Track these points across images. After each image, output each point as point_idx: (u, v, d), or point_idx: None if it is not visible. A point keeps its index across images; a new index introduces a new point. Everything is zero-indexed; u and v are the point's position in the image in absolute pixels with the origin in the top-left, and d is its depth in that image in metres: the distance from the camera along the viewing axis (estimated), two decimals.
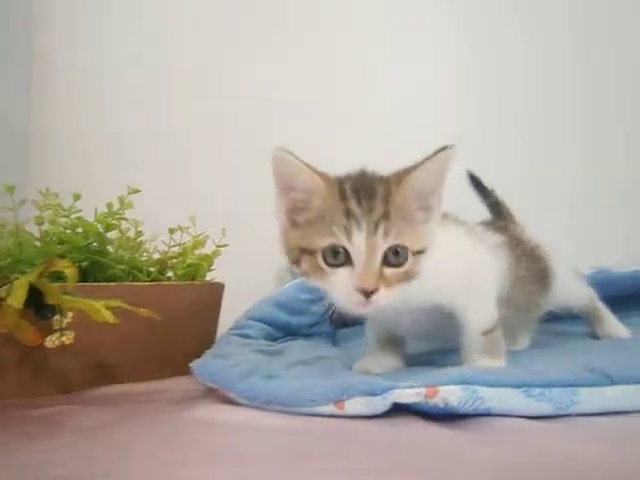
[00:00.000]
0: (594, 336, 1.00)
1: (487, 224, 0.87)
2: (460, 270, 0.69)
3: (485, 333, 0.71)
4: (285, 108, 1.40)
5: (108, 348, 0.85)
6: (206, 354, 0.82)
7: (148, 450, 0.53)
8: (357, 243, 0.59)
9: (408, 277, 0.61)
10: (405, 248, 0.60)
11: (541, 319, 0.96)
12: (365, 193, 0.61)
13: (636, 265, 1.28)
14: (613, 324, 1.00)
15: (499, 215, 1.00)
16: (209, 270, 1.04)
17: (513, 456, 0.49)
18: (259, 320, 1.04)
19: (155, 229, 1.01)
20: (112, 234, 0.94)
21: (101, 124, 1.39)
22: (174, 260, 1.01)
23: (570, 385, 0.58)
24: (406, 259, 0.60)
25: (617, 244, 1.36)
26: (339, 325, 1.19)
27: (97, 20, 1.42)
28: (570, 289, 0.95)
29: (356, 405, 0.57)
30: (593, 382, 0.59)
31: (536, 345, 0.94)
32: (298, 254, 0.62)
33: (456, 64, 1.47)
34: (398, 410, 0.58)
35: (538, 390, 0.57)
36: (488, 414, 0.57)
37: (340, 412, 0.58)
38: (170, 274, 1.01)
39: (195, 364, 0.74)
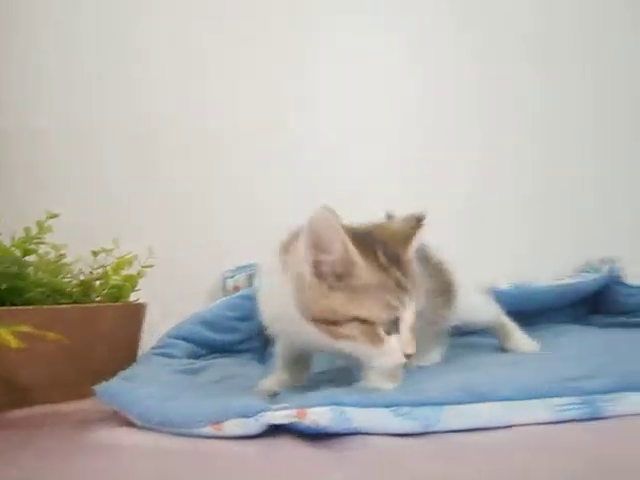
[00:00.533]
0: (503, 350, 1.05)
1: None
2: None
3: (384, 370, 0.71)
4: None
5: (25, 371, 0.87)
6: (117, 376, 0.84)
7: (27, 476, 0.56)
8: (408, 312, 0.65)
9: None
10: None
11: (452, 334, 1.01)
12: (397, 262, 0.66)
13: (554, 279, 1.34)
14: (520, 339, 1.04)
15: None
16: (134, 290, 1.06)
17: (367, 473, 0.52)
18: (183, 338, 1.07)
19: (84, 251, 1.04)
20: (33, 257, 0.96)
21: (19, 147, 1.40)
22: (98, 282, 1.03)
23: (437, 404, 0.62)
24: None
25: (534, 259, 1.42)
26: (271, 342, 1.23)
27: None
28: (474, 305, 1.00)
29: (232, 427, 0.60)
30: (459, 400, 0.63)
31: (446, 360, 0.99)
32: (344, 319, 0.64)
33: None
34: (280, 429, 0.62)
35: (406, 409, 0.61)
36: (358, 433, 0.60)
37: (219, 433, 0.61)
38: (98, 296, 1.04)
39: (98, 386, 0.77)
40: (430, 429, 0.61)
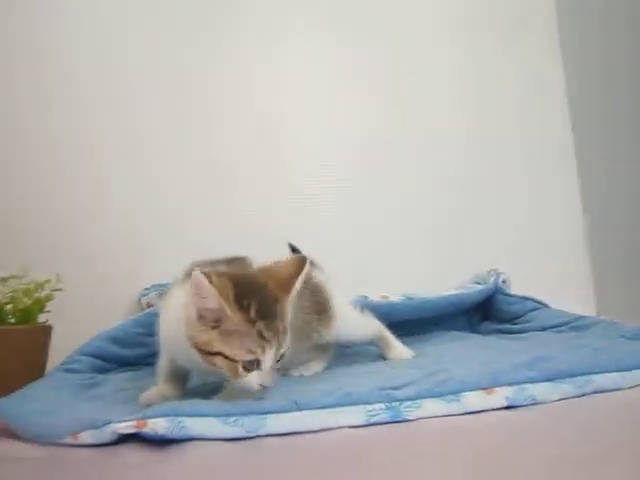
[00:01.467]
0: (383, 358, 1.18)
1: None
2: None
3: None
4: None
5: None
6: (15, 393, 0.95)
7: None
8: (267, 357, 0.78)
9: None
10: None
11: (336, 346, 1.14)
12: (268, 315, 0.79)
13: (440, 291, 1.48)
14: (397, 348, 1.17)
15: None
16: (42, 312, 1.17)
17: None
18: (89, 354, 1.18)
19: None
20: None
21: None
22: (8, 306, 1.14)
23: (262, 412, 0.74)
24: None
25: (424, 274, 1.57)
26: None
27: None
28: (354, 323, 1.14)
29: (87, 437, 0.72)
30: (282, 409, 0.75)
31: (326, 369, 1.12)
32: (214, 352, 0.78)
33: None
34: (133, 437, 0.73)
35: (233, 418, 0.73)
36: (192, 438, 0.72)
37: (77, 442, 0.72)
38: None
39: None
40: (255, 434, 0.73)
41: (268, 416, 0.74)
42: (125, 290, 1.44)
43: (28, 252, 1.25)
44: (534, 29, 1.75)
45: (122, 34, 1.53)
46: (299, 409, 0.76)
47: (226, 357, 0.78)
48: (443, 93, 1.70)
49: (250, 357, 0.78)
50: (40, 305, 1.15)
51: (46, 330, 1.15)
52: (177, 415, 0.72)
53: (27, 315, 1.13)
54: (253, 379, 0.79)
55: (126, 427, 0.70)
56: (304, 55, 1.65)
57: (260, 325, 0.78)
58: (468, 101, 1.71)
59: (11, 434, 0.82)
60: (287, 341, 0.81)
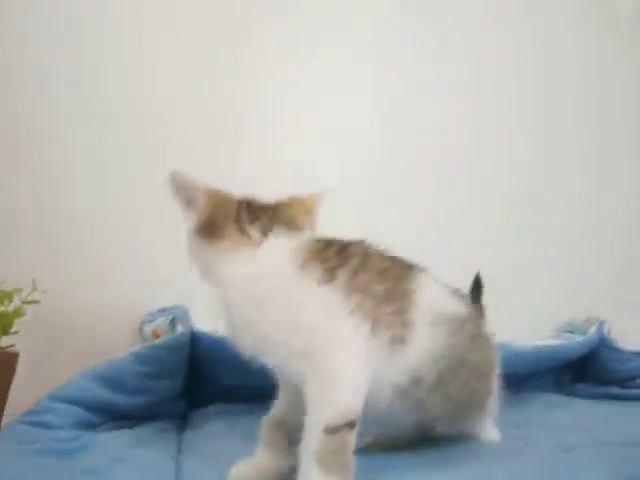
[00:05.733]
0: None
1: None
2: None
3: (330, 431, 0.52)
4: None
5: None
6: None
7: None
8: None
9: None
10: None
11: None
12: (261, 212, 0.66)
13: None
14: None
15: None
16: (6, 334, 0.80)
17: None
18: (69, 401, 0.81)
19: None
20: None
21: None
22: None
23: None
24: None
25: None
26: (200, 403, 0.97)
27: None
28: None
29: None
30: None
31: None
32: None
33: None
34: None
35: None
36: None
37: None
38: None
39: None
40: None
41: None
42: (123, 313, 1.07)
43: None
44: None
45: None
46: None
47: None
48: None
49: None
50: (7, 323, 0.79)
51: (9, 359, 0.78)
52: None
53: None
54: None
55: None
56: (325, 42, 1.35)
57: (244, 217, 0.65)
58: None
59: None
60: None
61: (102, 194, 1.15)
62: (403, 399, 0.61)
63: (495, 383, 0.73)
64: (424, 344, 0.60)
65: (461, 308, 0.67)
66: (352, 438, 0.53)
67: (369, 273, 0.60)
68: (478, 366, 0.68)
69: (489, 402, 0.72)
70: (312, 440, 0.53)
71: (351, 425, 0.53)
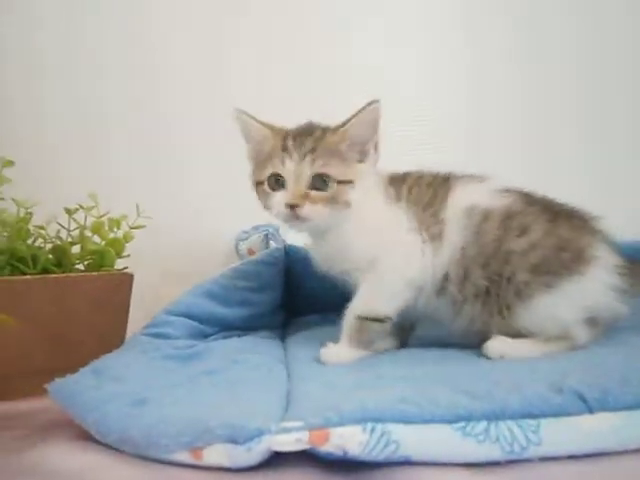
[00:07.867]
0: None
1: None
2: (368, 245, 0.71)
3: (360, 319, 0.70)
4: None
5: None
6: (85, 368, 0.65)
7: None
8: (288, 170, 0.70)
9: (334, 201, 0.70)
10: (329, 177, 0.70)
11: None
12: (301, 135, 0.72)
13: None
14: None
15: None
16: (120, 257, 0.86)
17: None
18: (183, 315, 0.86)
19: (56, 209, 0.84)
20: None
21: None
22: (75, 248, 0.84)
23: (528, 415, 0.40)
24: (330, 186, 0.70)
25: None
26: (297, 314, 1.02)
27: None
28: None
29: (215, 455, 0.40)
30: (562, 409, 0.41)
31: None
32: (256, 188, 0.74)
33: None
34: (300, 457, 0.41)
35: (481, 424, 0.39)
36: (407, 463, 0.39)
37: (198, 462, 0.41)
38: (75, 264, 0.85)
39: (52, 384, 0.57)
40: (517, 457, 0.39)
41: (541, 421, 0.40)
42: (219, 237, 1.11)
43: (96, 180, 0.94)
44: None
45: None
46: (590, 409, 0.41)
47: (260, 184, 0.73)
48: None
49: (270, 171, 0.71)
50: (118, 247, 0.85)
51: (126, 280, 0.84)
52: (379, 420, 0.39)
53: (101, 260, 0.83)
54: (279, 197, 0.70)
55: (294, 442, 0.38)
56: None
57: (288, 140, 0.71)
58: None
59: (75, 433, 0.52)
60: (319, 162, 0.70)
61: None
62: (439, 296, 0.70)
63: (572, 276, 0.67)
64: (453, 237, 0.69)
65: (505, 202, 0.70)
66: (377, 326, 0.70)
67: (420, 187, 0.74)
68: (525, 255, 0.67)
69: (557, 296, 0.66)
70: (347, 321, 0.70)
71: (379, 320, 0.70)
